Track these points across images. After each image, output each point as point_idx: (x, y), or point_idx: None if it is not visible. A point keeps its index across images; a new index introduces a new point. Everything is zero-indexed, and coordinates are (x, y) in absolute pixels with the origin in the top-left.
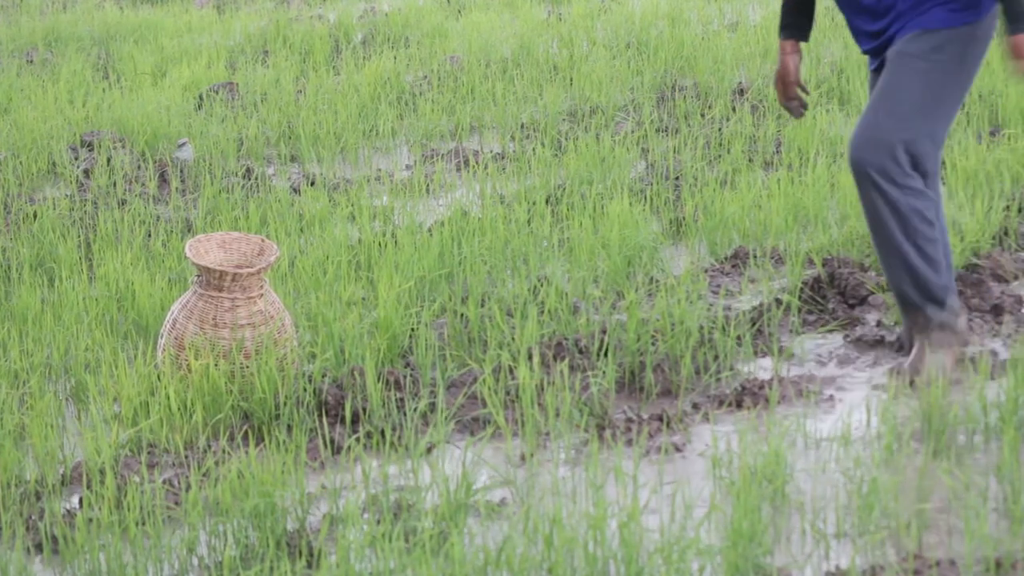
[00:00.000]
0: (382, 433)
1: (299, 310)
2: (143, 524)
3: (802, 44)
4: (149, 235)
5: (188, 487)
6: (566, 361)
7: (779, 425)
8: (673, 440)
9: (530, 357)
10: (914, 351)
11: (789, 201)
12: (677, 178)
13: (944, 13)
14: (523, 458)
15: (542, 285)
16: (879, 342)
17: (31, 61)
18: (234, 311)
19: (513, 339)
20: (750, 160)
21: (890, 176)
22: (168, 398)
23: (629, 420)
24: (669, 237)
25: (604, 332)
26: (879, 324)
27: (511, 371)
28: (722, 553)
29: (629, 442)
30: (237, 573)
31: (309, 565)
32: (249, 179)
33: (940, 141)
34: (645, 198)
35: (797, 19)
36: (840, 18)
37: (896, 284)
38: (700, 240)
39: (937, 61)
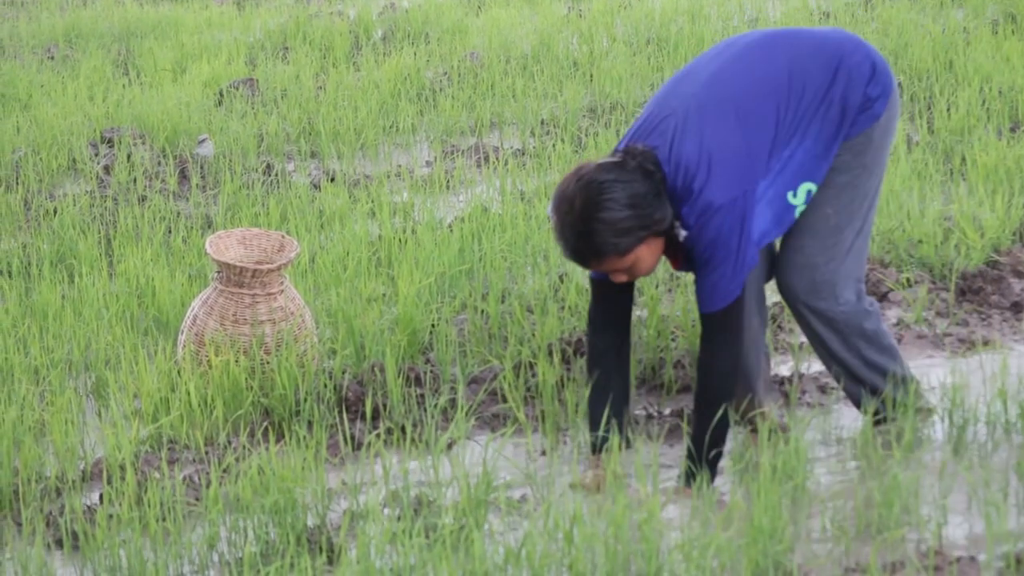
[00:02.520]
0: (402, 429)
1: (319, 306)
2: (163, 520)
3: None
4: (169, 231)
5: (208, 483)
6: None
7: (800, 421)
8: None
9: (550, 353)
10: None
11: None
12: None
13: (862, 116)
14: (543, 454)
15: (562, 281)
16: (899, 339)
17: (52, 57)
18: (254, 307)
19: (533, 335)
20: None
21: (820, 300)
22: (188, 394)
23: (649, 416)
24: None
25: None
26: (899, 321)
27: (531, 367)
28: (742, 550)
29: (649, 438)
30: (257, 569)
31: (329, 561)
32: (269, 175)
33: (866, 242)
34: None
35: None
36: None
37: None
38: None
39: (860, 166)
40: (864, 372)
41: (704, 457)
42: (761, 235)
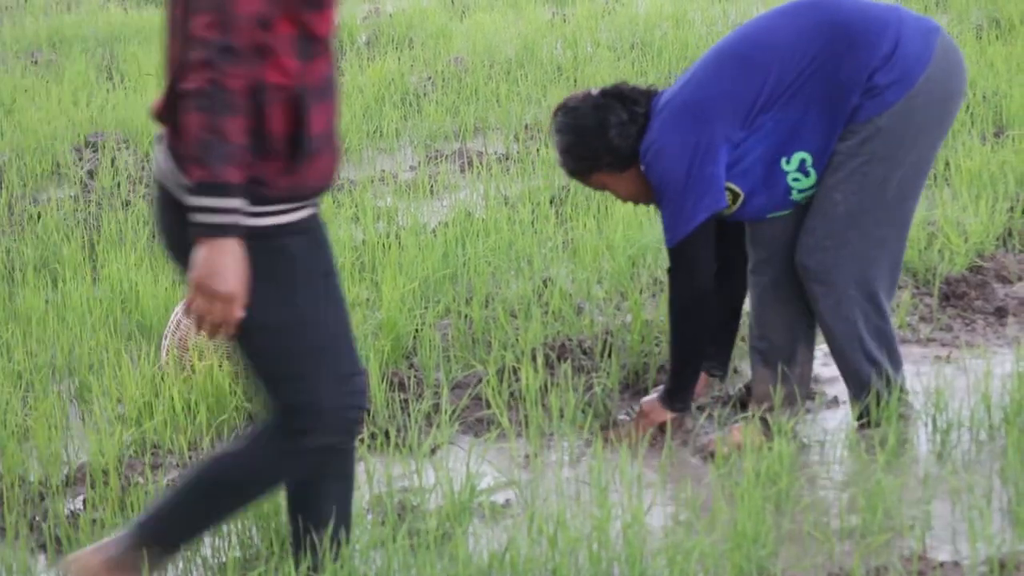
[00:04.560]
0: (386, 434)
1: None
2: None
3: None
4: (153, 236)
5: None
6: (570, 362)
7: (784, 426)
8: (677, 441)
9: (534, 358)
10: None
11: None
12: None
13: (869, 102)
14: (527, 459)
15: (546, 286)
16: None
17: (35, 62)
18: None
19: (517, 340)
20: None
21: (829, 283)
22: (172, 399)
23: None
24: None
25: (608, 333)
26: None
27: (515, 372)
28: (726, 555)
29: (632, 443)
30: (241, 574)
31: (313, 567)
32: None
33: (891, 241)
34: None
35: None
36: None
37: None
38: None
39: (868, 153)
40: (863, 365)
41: (677, 390)
42: (759, 207)
